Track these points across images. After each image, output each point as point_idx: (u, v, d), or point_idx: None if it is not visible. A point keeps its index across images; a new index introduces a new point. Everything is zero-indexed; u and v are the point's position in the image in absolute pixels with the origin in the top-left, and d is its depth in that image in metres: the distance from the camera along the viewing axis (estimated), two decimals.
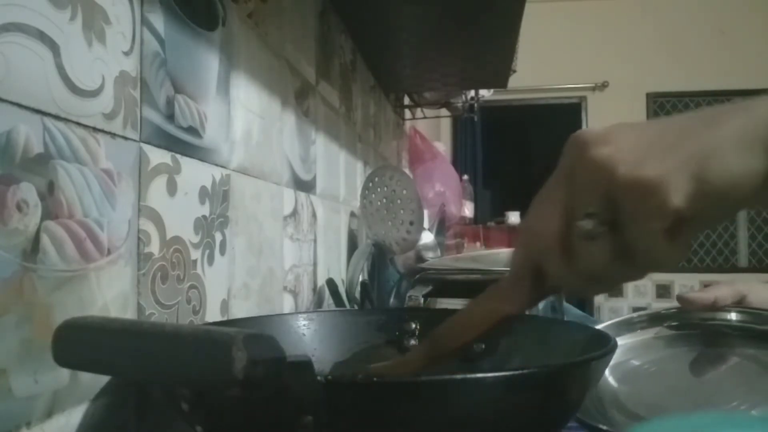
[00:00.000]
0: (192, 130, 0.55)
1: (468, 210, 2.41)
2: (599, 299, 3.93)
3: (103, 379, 0.42)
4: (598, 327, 0.63)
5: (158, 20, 0.50)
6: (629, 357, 0.65)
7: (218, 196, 0.60)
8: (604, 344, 0.40)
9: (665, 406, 0.55)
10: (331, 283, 0.91)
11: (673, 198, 0.31)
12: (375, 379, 0.32)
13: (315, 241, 0.94)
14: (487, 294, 0.41)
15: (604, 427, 0.52)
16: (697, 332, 0.66)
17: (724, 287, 0.67)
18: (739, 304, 0.67)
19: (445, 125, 3.99)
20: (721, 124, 0.32)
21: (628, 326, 0.69)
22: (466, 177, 2.55)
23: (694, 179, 0.31)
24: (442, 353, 0.42)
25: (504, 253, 0.93)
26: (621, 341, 0.63)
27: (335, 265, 1.05)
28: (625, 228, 0.33)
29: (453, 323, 0.42)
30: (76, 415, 0.40)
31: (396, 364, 0.46)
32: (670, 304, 0.70)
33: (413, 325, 0.58)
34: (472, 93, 1.96)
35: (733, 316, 0.65)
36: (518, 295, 0.38)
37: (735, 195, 0.32)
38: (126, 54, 0.45)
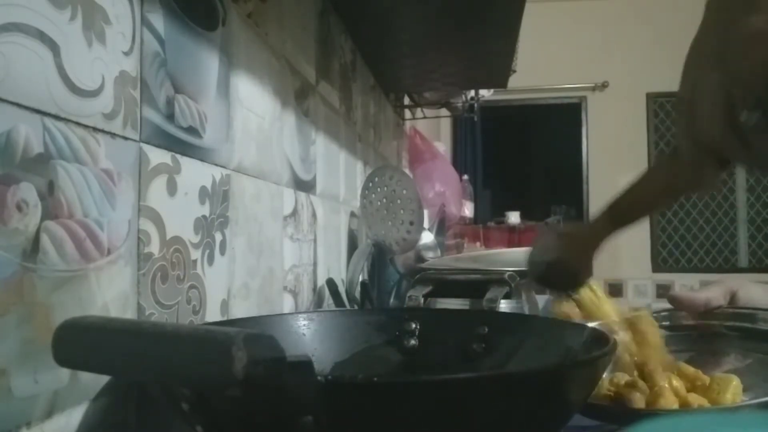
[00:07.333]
0: (192, 130, 0.55)
1: (468, 210, 2.40)
2: None
3: (103, 379, 0.42)
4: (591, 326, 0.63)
5: (158, 20, 0.50)
6: None
7: (218, 196, 0.60)
8: (604, 344, 0.40)
9: None
10: (331, 283, 0.91)
11: None
12: (375, 379, 0.32)
13: (315, 241, 0.94)
14: (665, 168, 0.37)
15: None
16: (691, 333, 0.67)
17: (714, 288, 0.68)
18: (730, 302, 0.67)
19: (445, 125, 3.99)
20: None
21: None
22: (466, 177, 2.55)
23: None
24: (624, 223, 0.42)
25: (504, 253, 0.93)
26: None
27: (335, 265, 1.05)
28: None
29: (632, 195, 0.41)
30: (76, 415, 0.40)
31: (580, 231, 0.46)
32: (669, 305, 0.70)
33: (413, 325, 0.58)
34: (472, 93, 1.95)
35: (726, 316, 0.66)
36: (699, 175, 0.34)
37: None
38: (126, 54, 0.45)
